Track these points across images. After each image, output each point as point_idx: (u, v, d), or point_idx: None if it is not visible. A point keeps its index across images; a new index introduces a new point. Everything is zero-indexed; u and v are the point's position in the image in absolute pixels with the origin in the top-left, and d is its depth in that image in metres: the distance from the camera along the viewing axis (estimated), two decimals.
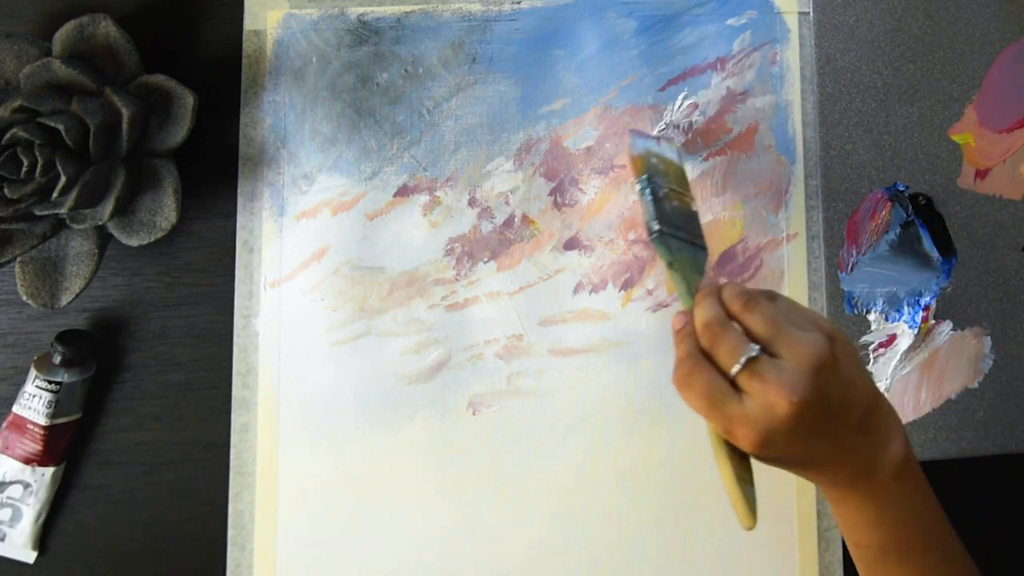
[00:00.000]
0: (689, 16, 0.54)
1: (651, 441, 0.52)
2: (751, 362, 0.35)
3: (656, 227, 0.42)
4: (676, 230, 0.42)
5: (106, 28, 0.47)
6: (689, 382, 0.36)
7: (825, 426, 0.36)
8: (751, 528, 0.36)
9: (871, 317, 0.53)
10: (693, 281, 0.41)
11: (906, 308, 0.53)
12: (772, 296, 0.39)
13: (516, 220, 0.53)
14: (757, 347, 0.36)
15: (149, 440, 0.51)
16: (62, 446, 0.49)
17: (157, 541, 0.51)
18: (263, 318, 0.51)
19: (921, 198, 0.54)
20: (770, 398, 0.34)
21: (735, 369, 0.35)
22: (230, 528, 0.50)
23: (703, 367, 0.36)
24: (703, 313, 0.38)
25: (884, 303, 0.53)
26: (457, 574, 0.50)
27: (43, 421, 0.48)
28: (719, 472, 0.37)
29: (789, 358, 0.35)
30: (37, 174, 0.44)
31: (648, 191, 0.44)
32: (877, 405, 0.38)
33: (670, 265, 0.41)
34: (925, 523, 0.40)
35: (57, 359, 0.48)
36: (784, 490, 0.52)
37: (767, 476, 0.51)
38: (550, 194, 0.53)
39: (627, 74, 0.53)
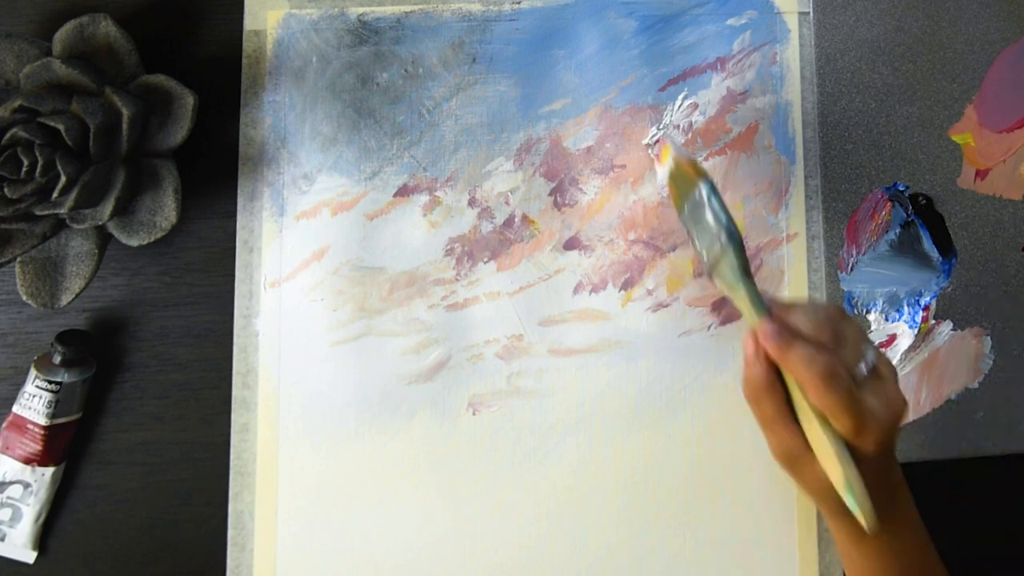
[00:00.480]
0: (689, 16, 0.54)
1: (651, 441, 0.52)
2: (872, 369, 0.37)
3: (734, 233, 0.41)
4: (708, 255, 0.42)
5: (106, 28, 0.47)
6: (834, 379, 0.35)
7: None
8: (874, 530, 0.36)
9: (871, 317, 0.53)
10: (746, 292, 0.40)
11: (906, 308, 0.53)
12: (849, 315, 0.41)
13: (516, 220, 0.53)
14: (876, 352, 0.37)
15: (149, 440, 0.51)
16: (62, 446, 0.49)
17: (157, 541, 0.51)
18: (263, 318, 0.51)
19: (921, 198, 0.54)
20: (892, 395, 0.36)
21: (864, 367, 0.36)
22: (230, 528, 0.50)
23: (825, 350, 0.36)
24: (818, 312, 0.38)
25: (884, 303, 0.53)
26: (457, 574, 0.50)
27: (43, 421, 0.48)
28: (838, 479, 0.36)
29: (887, 368, 0.37)
30: (37, 174, 0.44)
31: (715, 195, 0.42)
32: None
33: (745, 272, 0.40)
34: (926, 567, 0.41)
35: (57, 359, 0.48)
36: (784, 490, 0.52)
37: (766, 476, 0.52)
38: (550, 194, 0.53)
39: (627, 74, 0.53)
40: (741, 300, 0.40)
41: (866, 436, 0.35)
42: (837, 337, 0.37)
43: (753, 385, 0.38)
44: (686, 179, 0.44)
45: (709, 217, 0.41)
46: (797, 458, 0.37)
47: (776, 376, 0.38)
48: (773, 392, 0.38)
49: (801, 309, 0.39)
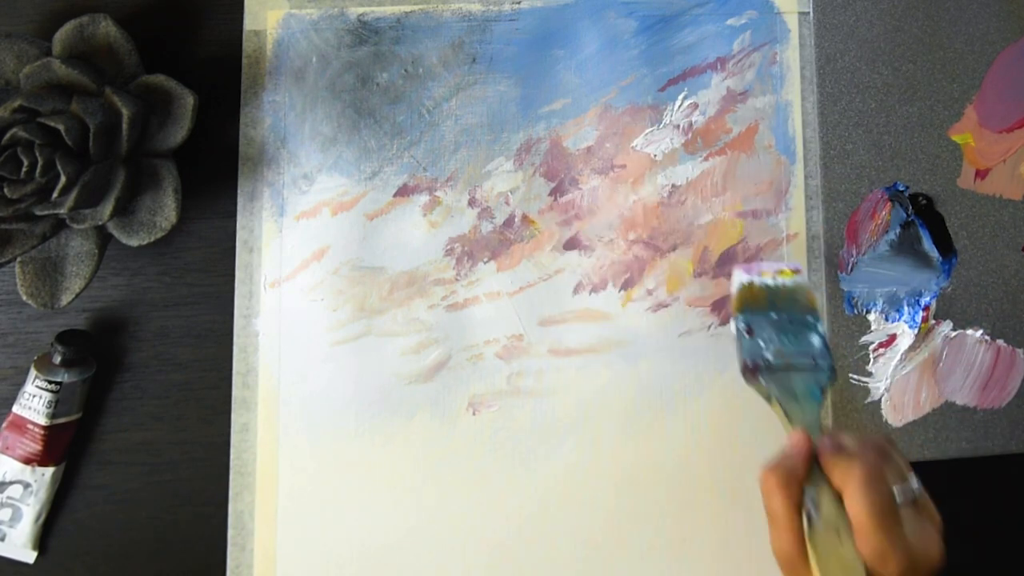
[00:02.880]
0: (689, 16, 0.54)
1: (651, 441, 0.52)
2: (912, 499, 0.35)
3: (744, 365, 0.42)
4: (779, 358, 0.42)
5: (106, 28, 0.47)
6: (875, 486, 0.34)
7: None
8: None
9: (871, 317, 0.53)
10: (809, 408, 0.40)
11: (906, 308, 0.53)
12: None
13: (516, 220, 0.53)
14: (918, 483, 0.36)
15: (149, 440, 0.51)
16: (62, 446, 0.49)
17: (157, 541, 0.51)
18: (263, 318, 0.51)
19: (921, 198, 0.54)
20: (929, 538, 0.34)
21: (903, 490, 0.35)
22: (230, 528, 0.50)
23: (885, 480, 0.35)
24: (858, 439, 0.37)
25: (884, 303, 0.53)
26: (457, 573, 0.50)
27: (43, 421, 0.48)
28: None
29: (931, 510, 0.36)
30: (37, 174, 0.44)
31: (740, 328, 0.43)
32: None
33: (768, 399, 0.41)
34: None
35: (57, 359, 0.48)
36: None
37: None
38: (550, 194, 0.53)
39: (627, 74, 0.53)
40: (804, 415, 0.40)
41: (891, 565, 0.33)
42: (882, 456, 0.36)
43: (777, 476, 0.36)
44: (796, 295, 0.45)
45: (816, 340, 0.43)
46: (793, 562, 0.36)
47: (802, 479, 0.37)
48: (793, 490, 0.36)
49: (848, 433, 0.38)
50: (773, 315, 0.44)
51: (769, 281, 0.46)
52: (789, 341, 0.43)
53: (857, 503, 0.34)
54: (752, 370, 0.42)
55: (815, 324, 0.43)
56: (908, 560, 0.33)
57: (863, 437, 0.38)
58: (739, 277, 0.46)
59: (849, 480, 0.34)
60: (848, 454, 0.36)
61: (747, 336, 0.43)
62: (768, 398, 0.41)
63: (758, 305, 0.45)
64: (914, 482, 0.35)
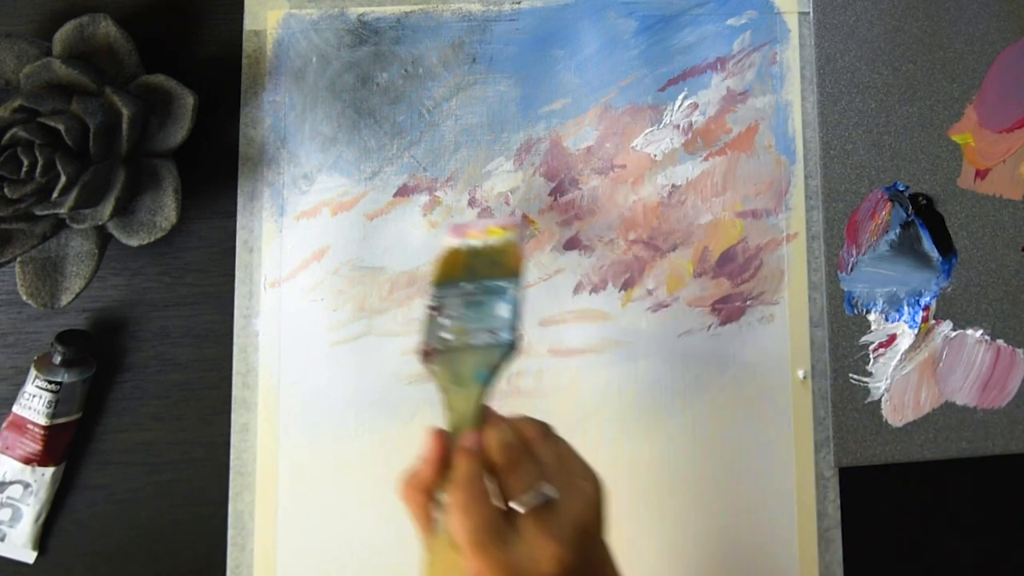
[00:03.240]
0: (689, 16, 0.54)
1: (651, 441, 0.52)
2: (541, 504, 0.33)
3: (419, 348, 0.38)
4: (458, 337, 0.37)
5: (106, 28, 0.47)
6: (468, 509, 0.33)
7: None
8: None
9: (871, 317, 0.53)
10: (470, 393, 0.36)
11: (906, 308, 0.53)
12: (556, 434, 0.37)
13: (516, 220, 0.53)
14: (553, 490, 0.34)
15: (149, 440, 0.51)
16: (62, 446, 0.49)
17: (157, 541, 0.51)
18: (263, 318, 0.51)
19: (921, 198, 0.54)
20: (543, 551, 0.32)
21: (527, 501, 0.33)
22: (230, 528, 0.50)
23: (486, 498, 0.33)
24: (504, 434, 0.35)
25: (884, 303, 0.53)
26: None
27: (43, 421, 0.48)
28: None
29: (567, 507, 0.34)
30: (37, 174, 0.44)
31: (427, 306, 0.39)
32: None
33: (439, 388, 0.37)
34: None
35: (57, 359, 0.48)
36: (784, 490, 0.52)
37: (766, 476, 0.52)
38: (550, 194, 0.53)
39: (627, 74, 0.53)
40: (466, 402, 0.36)
41: (481, 568, 0.32)
42: (514, 463, 0.34)
43: (407, 484, 0.36)
44: (498, 257, 0.40)
45: (504, 309, 0.38)
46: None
47: (430, 486, 0.35)
48: (420, 497, 0.35)
49: (501, 428, 0.35)
50: (466, 285, 0.39)
51: (476, 243, 0.41)
52: (473, 315, 0.38)
53: (454, 525, 0.33)
54: (426, 353, 0.37)
55: (508, 290, 0.38)
56: (500, 570, 0.32)
57: (510, 434, 0.35)
58: (447, 241, 0.42)
59: (450, 502, 0.33)
60: (464, 463, 0.34)
61: (432, 314, 0.38)
62: (440, 387, 0.36)
63: (455, 274, 0.40)
64: (548, 491, 0.33)
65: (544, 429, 0.37)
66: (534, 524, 0.33)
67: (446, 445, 0.35)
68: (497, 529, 0.33)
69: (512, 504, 0.34)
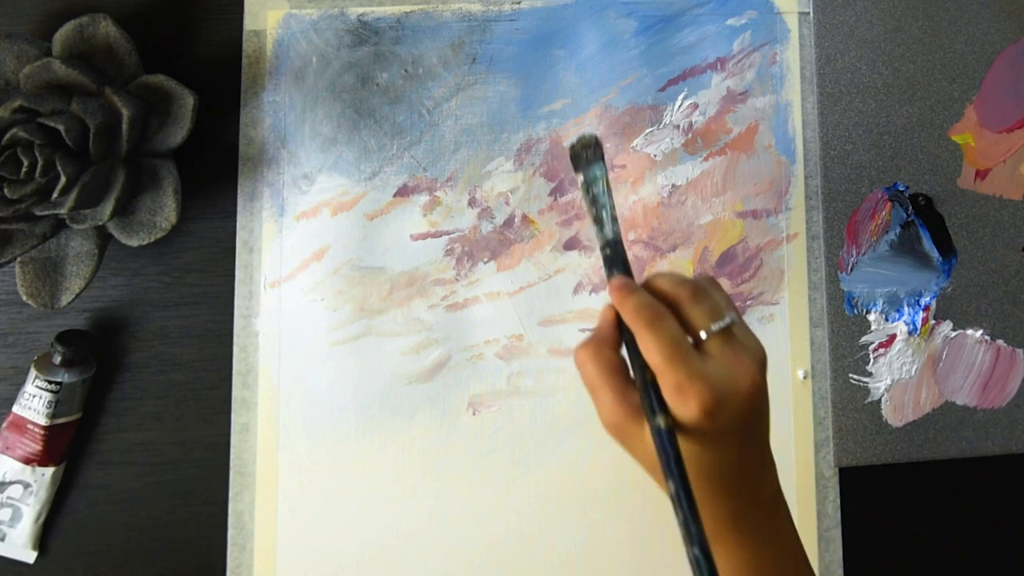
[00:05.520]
0: (689, 16, 0.54)
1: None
2: (727, 327, 0.34)
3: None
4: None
5: (106, 28, 0.47)
6: (655, 325, 0.33)
7: (759, 427, 0.34)
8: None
9: (871, 317, 0.53)
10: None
11: (906, 308, 0.53)
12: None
13: (516, 220, 0.53)
14: (735, 314, 0.34)
15: (149, 440, 0.51)
16: (62, 446, 0.49)
17: (157, 541, 0.51)
18: (263, 318, 0.51)
19: (921, 198, 0.54)
20: (739, 367, 0.33)
21: (716, 326, 0.33)
22: (230, 528, 0.50)
23: (669, 315, 0.33)
24: (673, 274, 0.36)
25: (884, 303, 0.53)
26: (457, 573, 0.50)
27: (43, 421, 0.48)
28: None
29: (749, 342, 0.34)
30: (37, 174, 0.44)
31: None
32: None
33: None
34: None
35: (57, 359, 0.48)
36: (784, 489, 0.51)
37: None
38: (550, 194, 0.53)
39: (627, 74, 0.53)
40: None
41: (688, 395, 0.31)
42: (695, 296, 0.34)
43: (588, 347, 0.35)
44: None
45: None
46: (621, 427, 0.34)
47: (614, 344, 0.35)
48: (599, 355, 0.34)
49: (669, 274, 0.36)
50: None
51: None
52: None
53: (644, 343, 0.33)
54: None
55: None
56: (709, 392, 0.31)
57: (679, 277, 0.36)
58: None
59: (636, 325, 0.33)
60: (639, 295, 0.34)
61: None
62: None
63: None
64: (728, 317, 0.34)
65: (714, 280, 0.37)
66: (724, 344, 0.33)
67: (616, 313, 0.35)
68: (688, 344, 0.33)
69: (700, 333, 0.34)
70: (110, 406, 0.51)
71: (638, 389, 0.34)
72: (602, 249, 0.37)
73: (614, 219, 0.37)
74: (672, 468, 0.32)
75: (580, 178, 0.38)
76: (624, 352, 0.35)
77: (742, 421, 0.33)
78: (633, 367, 0.34)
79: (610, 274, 0.36)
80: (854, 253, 0.53)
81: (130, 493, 0.51)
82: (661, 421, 0.32)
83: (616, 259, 0.36)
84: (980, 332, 0.54)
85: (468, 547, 0.51)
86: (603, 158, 0.38)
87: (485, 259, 0.52)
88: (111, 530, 0.51)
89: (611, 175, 0.53)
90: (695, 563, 0.31)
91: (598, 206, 0.37)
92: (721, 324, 0.34)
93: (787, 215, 0.53)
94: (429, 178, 0.53)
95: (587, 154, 0.38)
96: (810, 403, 0.52)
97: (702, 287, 0.35)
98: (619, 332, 0.35)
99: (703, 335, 0.34)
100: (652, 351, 0.32)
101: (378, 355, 0.51)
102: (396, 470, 0.51)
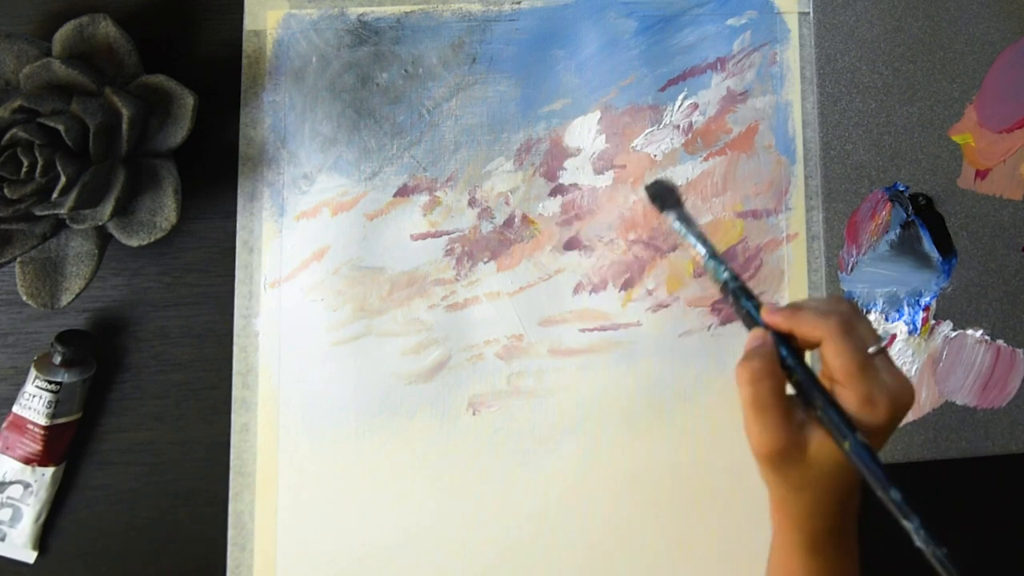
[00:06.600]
0: (689, 16, 0.54)
1: (651, 441, 0.52)
2: (883, 350, 0.35)
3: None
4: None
5: (106, 28, 0.47)
6: (853, 334, 0.33)
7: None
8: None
9: (871, 317, 0.53)
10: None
11: (906, 308, 0.53)
12: None
13: (516, 220, 0.53)
14: (886, 335, 0.37)
15: (149, 440, 0.51)
16: (62, 446, 0.49)
17: (157, 541, 0.51)
18: (263, 318, 0.51)
19: (921, 198, 0.54)
20: (903, 380, 0.34)
21: (881, 344, 0.34)
22: (230, 528, 0.50)
23: (852, 329, 0.34)
24: (821, 301, 0.37)
25: (884, 303, 0.53)
26: (457, 573, 0.50)
27: (43, 421, 0.48)
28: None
29: (891, 362, 0.35)
30: (37, 174, 0.44)
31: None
32: None
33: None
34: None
35: (57, 359, 0.48)
36: None
37: None
38: (550, 194, 0.53)
39: (627, 74, 0.53)
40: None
41: (878, 407, 0.33)
42: (858, 315, 0.35)
43: (754, 365, 0.34)
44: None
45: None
46: (785, 452, 0.34)
47: (778, 365, 0.35)
48: (774, 374, 0.34)
49: (808, 301, 0.38)
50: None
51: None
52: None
53: (838, 352, 0.33)
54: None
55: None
56: (893, 404, 0.33)
57: (821, 301, 0.37)
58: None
59: (827, 332, 0.34)
60: (811, 307, 0.35)
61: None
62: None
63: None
64: (882, 335, 0.36)
65: (852, 302, 0.39)
66: (888, 363, 0.34)
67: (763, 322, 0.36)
68: (870, 357, 0.34)
69: (870, 349, 0.34)
70: (110, 406, 0.51)
71: (818, 408, 0.34)
72: (729, 281, 0.38)
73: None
74: (886, 477, 0.32)
75: (672, 216, 0.40)
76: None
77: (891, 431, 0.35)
78: (807, 388, 0.35)
79: (748, 300, 0.37)
80: (854, 253, 0.53)
81: (130, 493, 0.51)
82: (861, 436, 0.33)
83: (745, 286, 0.38)
84: (980, 332, 0.54)
85: (468, 546, 0.51)
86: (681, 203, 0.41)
87: (485, 259, 0.52)
88: (111, 530, 0.51)
89: (611, 175, 0.53)
90: (941, 564, 0.33)
91: (706, 244, 0.39)
92: (883, 342, 0.35)
93: (787, 215, 0.53)
94: (429, 178, 0.53)
95: (672, 197, 0.41)
96: None
97: (856, 310, 0.36)
98: (779, 354, 0.35)
99: (879, 345, 0.35)
100: (844, 358, 0.33)
101: (378, 355, 0.51)
102: (396, 470, 0.51)
